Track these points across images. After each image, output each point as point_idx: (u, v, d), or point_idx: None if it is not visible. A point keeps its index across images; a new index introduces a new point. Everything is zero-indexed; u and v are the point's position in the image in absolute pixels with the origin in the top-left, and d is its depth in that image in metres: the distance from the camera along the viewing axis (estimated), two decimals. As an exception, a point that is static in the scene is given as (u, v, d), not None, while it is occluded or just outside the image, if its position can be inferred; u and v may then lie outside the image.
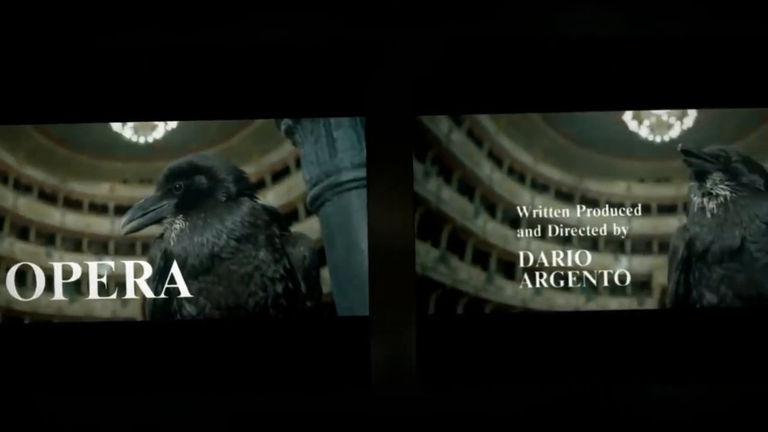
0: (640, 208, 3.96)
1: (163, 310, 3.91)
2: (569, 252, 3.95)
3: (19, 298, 3.90)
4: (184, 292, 3.90)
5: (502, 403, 3.90)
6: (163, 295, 3.91)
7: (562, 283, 3.95)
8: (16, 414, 3.86)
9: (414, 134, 3.92)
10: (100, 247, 3.92)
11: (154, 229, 3.90)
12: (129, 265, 3.91)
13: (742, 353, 3.95)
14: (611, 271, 3.96)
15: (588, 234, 3.96)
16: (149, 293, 3.89)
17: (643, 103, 3.96)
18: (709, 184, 3.93)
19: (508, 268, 3.95)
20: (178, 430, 3.85)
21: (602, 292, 3.96)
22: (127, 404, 3.88)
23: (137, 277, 3.90)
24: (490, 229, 3.95)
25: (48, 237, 3.93)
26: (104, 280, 3.91)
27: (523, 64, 3.96)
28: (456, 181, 3.95)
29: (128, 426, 3.86)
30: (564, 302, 3.95)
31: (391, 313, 3.90)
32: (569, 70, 3.96)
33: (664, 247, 3.94)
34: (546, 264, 3.95)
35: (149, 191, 3.90)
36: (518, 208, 3.95)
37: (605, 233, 3.96)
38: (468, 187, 3.96)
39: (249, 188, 3.94)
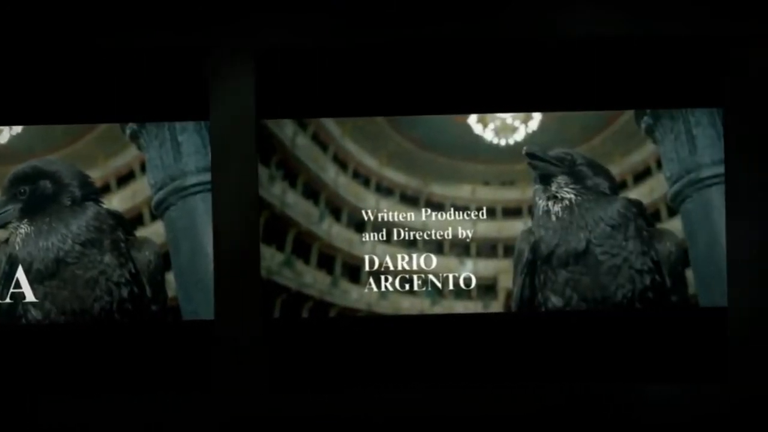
0: (485, 211, 3.96)
1: (8, 314, 3.91)
2: (414, 255, 3.96)
3: None
4: (30, 297, 3.90)
5: (348, 406, 3.91)
6: (8, 300, 3.91)
7: (407, 286, 3.95)
8: None
9: (259, 138, 3.92)
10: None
11: (-1, 234, 3.91)
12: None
13: (586, 354, 3.96)
14: (456, 275, 3.96)
15: (433, 237, 3.96)
16: (-6, 297, 3.91)
17: (487, 106, 3.96)
18: (554, 188, 3.93)
19: (353, 271, 3.96)
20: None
21: (447, 295, 3.96)
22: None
23: (-19, 282, 3.91)
24: (335, 232, 3.96)
25: None
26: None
27: (368, 69, 3.96)
28: (301, 185, 3.96)
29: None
30: (409, 306, 3.96)
31: (237, 317, 3.90)
32: (415, 73, 3.95)
33: (509, 250, 3.95)
34: (391, 268, 3.95)
35: (-7, 196, 3.91)
36: (363, 212, 3.96)
37: (450, 237, 3.96)
38: (313, 191, 3.96)
39: (94, 192, 3.95)
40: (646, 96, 3.97)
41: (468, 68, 3.96)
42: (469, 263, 3.96)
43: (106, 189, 3.95)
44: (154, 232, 3.94)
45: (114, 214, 3.93)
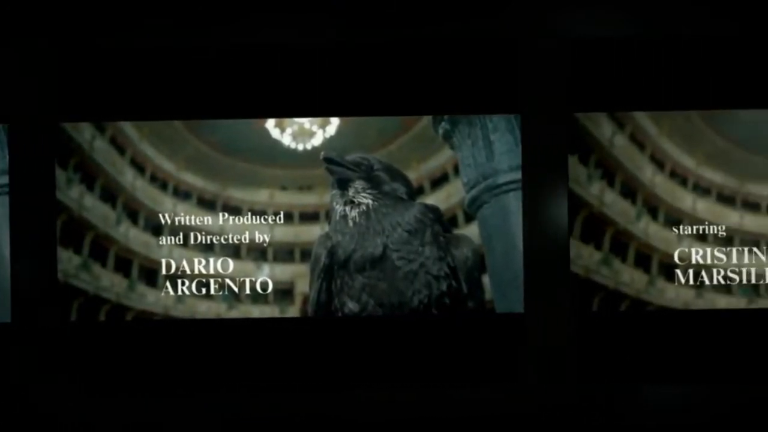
0: (282, 215, 3.96)
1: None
2: (211, 259, 3.96)
3: None
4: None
5: (144, 410, 3.92)
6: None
7: (204, 290, 3.96)
8: None
9: (57, 142, 3.93)
10: None
11: None
12: None
13: (382, 359, 3.96)
14: (253, 279, 3.97)
15: (230, 242, 3.96)
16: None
17: (285, 111, 3.97)
18: (351, 192, 3.93)
19: (150, 275, 3.96)
20: None
21: (244, 299, 3.96)
22: None
23: None
24: (133, 236, 3.96)
25: None
26: None
27: (167, 72, 3.96)
28: (99, 188, 3.96)
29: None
30: (206, 309, 3.96)
31: (34, 320, 3.91)
32: (215, 77, 3.96)
33: (306, 255, 3.95)
34: (188, 271, 3.96)
35: None
36: (160, 215, 3.96)
37: (247, 241, 3.97)
38: (110, 194, 3.96)
39: None
40: (443, 101, 3.97)
41: (263, 74, 3.96)
42: (266, 268, 3.97)
43: None
44: None
45: None
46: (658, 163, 3.97)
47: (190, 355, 3.97)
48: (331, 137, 3.97)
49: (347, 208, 3.93)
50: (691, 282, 3.95)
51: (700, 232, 3.96)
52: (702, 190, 3.96)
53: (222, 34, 3.95)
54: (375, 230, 3.92)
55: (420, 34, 3.96)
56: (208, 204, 3.97)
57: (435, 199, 3.96)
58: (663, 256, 3.96)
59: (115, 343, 3.97)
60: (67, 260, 3.95)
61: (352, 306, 3.92)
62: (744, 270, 3.94)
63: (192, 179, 3.97)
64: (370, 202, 3.93)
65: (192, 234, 3.96)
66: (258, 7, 3.93)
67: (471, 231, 3.95)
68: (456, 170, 3.96)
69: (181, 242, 3.96)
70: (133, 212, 3.97)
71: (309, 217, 3.96)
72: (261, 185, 3.97)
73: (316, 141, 3.97)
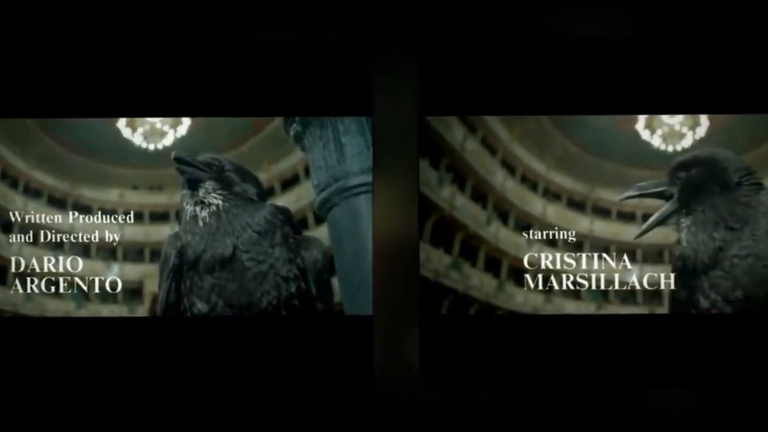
0: (132, 215, 3.96)
1: None
2: (61, 258, 3.96)
3: None
4: None
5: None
6: None
7: (53, 289, 3.95)
8: None
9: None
10: None
11: None
12: None
13: (231, 360, 3.96)
14: (102, 278, 3.97)
15: (80, 240, 3.96)
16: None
17: (138, 110, 3.97)
18: (201, 193, 3.94)
19: (1, 273, 3.96)
20: None
21: (93, 298, 3.97)
22: None
23: None
24: (-18, 234, 3.96)
25: None
26: None
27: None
28: (-43, 185, 3.96)
29: None
30: (55, 308, 3.96)
31: None
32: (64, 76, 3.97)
33: (155, 254, 3.95)
34: (38, 270, 3.95)
35: None
36: (11, 213, 3.96)
37: (97, 240, 3.96)
38: (-33, 194, 3.96)
39: None
40: (295, 103, 3.97)
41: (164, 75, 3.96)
42: (116, 267, 3.97)
43: None
44: None
45: None
46: (509, 167, 3.97)
47: (38, 354, 3.96)
48: (183, 137, 3.97)
49: (197, 209, 3.94)
50: (540, 287, 3.95)
51: (550, 237, 3.96)
52: (552, 195, 3.96)
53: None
54: (225, 231, 3.92)
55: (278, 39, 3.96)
56: (58, 202, 3.97)
57: (285, 200, 3.96)
58: (512, 261, 3.96)
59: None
60: None
61: (201, 306, 3.92)
62: (593, 276, 3.95)
63: (43, 177, 3.97)
64: (221, 202, 3.93)
65: (42, 232, 3.96)
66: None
67: (321, 233, 3.95)
68: (307, 172, 3.96)
69: (31, 240, 3.96)
70: (-15, 211, 3.97)
71: (159, 216, 3.96)
72: (111, 184, 3.97)
73: (167, 141, 3.97)
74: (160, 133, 3.97)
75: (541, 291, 3.96)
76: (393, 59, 3.94)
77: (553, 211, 3.97)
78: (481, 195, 3.96)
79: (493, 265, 3.96)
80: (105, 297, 3.97)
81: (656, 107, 3.96)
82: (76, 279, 3.97)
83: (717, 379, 3.93)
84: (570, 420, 3.87)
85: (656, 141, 3.96)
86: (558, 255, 3.96)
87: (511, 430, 3.89)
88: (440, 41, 3.94)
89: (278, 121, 3.96)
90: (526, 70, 3.96)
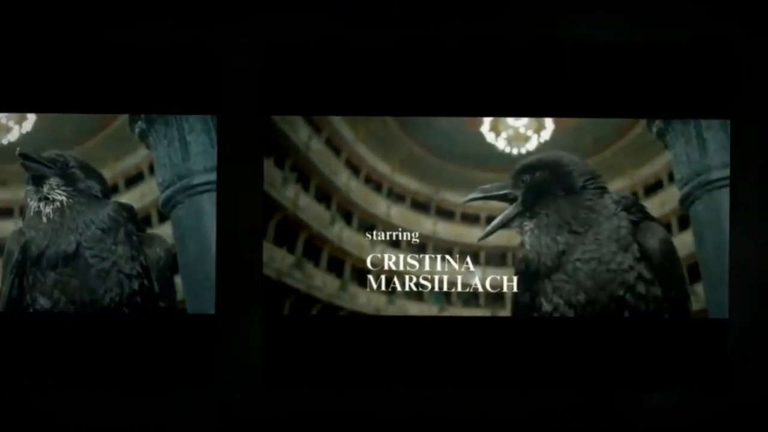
0: (-24, 211, 3.97)
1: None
2: None
3: None
4: None
5: None
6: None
7: None
8: None
9: None
10: None
11: None
12: None
13: (74, 358, 3.97)
14: (-54, 273, 3.97)
15: (-74, 234, 3.96)
16: None
17: None
18: (45, 189, 3.94)
19: None
20: None
21: (-58, 293, 3.97)
22: None
23: None
24: None
25: None
26: None
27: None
28: None
29: None
30: None
31: None
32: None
33: (-1, 251, 3.95)
34: None
35: None
36: None
37: (-58, 236, 3.97)
38: None
39: None
40: (142, 101, 3.97)
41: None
42: (-42, 262, 3.97)
43: None
44: None
45: None
46: (354, 168, 3.97)
47: None
48: (28, 133, 3.97)
49: (41, 205, 3.94)
50: (383, 288, 3.95)
51: (394, 238, 3.96)
52: (396, 196, 3.97)
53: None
54: (69, 227, 3.93)
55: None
56: None
57: (129, 197, 3.96)
58: (356, 261, 3.96)
59: None
60: None
61: (43, 302, 3.92)
62: (436, 277, 3.95)
63: None
64: (65, 199, 3.93)
65: None
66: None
67: (165, 231, 3.95)
68: (152, 170, 3.96)
69: None
70: None
71: (3, 212, 3.96)
72: (-44, 180, 3.97)
73: (12, 137, 3.97)
74: (5, 128, 3.97)
75: (384, 292, 3.95)
76: (238, 58, 3.93)
77: (396, 212, 3.97)
78: (325, 195, 3.96)
79: (336, 266, 3.96)
80: (-52, 292, 3.97)
81: (502, 110, 3.95)
82: None
83: (557, 382, 3.94)
84: (412, 420, 3.88)
85: (501, 143, 3.96)
86: (401, 256, 3.96)
87: (352, 430, 3.90)
88: (286, 41, 3.94)
89: (123, 118, 3.96)
90: (372, 71, 3.95)
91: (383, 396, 3.92)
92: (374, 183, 3.96)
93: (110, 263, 3.92)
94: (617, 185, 3.93)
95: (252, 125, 3.94)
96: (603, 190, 3.92)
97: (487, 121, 3.96)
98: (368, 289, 3.96)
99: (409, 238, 3.95)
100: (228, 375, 3.95)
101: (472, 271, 3.95)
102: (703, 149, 3.91)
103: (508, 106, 3.95)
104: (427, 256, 3.96)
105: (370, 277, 3.96)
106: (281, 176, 3.95)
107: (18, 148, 3.94)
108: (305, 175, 3.96)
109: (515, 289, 3.93)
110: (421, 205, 3.96)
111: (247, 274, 3.93)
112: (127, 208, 3.95)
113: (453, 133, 3.95)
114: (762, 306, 3.92)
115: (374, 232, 3.96)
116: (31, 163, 3.94)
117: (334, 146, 3.96)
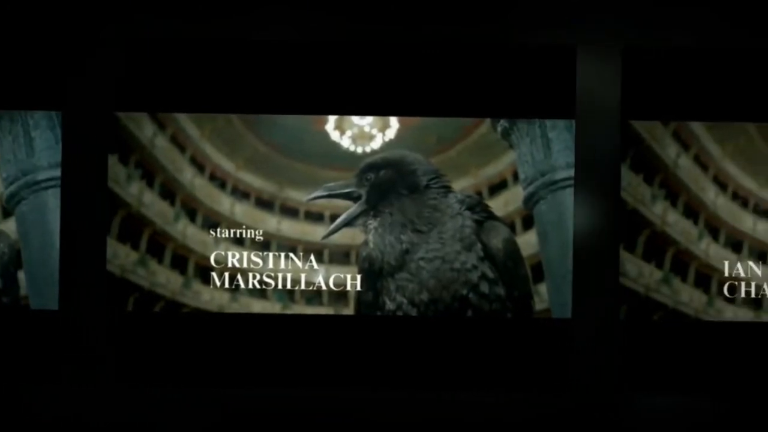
0: None
1: None
2: None
3: None
4: None
5: None
6: None
7: None
8: None
9: None
10: None
11: None
12: None
13: None
14: None
15: None
16: None
17: None
18: None
19: None
20: None
21: None
22: None
23: None
24: None
25: None
26: None
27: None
28: None
29: None
30: None
31: None
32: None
33: None
34: None
35: None
36: None
37: None
38: None
39: None
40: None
41: None
42: None
43: None
44: None
45: None
46: (198, 165, 3.97)
47: None
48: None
49: None
50: (227, 285, 3.96)
51: (238, 235, 3.96)
52: (240, 193, 3.97)
53: None
54: None
55: None
56: None
57: None
58: (199, 259, 3.97)
59: None
60: None
61: None
62: (280, 275, 3.95)
63: None
64: None
65: None
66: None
67: (9, 226, 3.95)
68: (-4, 165, 3.96)
69: None
70: None
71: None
72: None
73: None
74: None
75: (227, 289, 3.96)
76: (92, 57, 3.94)
77: (241, 210, 3.97)
78: (169, 192, 3.97)
79: (179, 263, 3.97)
80: None
81: (346, 108, 3.95)
82: None
83: (401, 383, 3.95)
84: (253, 418, 3.88)
85: (346, 142, 3.96)
86: (245, 254, 3.96)
87: (194, 429, 3.91)
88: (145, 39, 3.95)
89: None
90: (218, 69, 3.96)
91: (225, 393, 3.92)
92: (219, 180, 3.97)
93: (-46, 258, 3.93)
94: (462, 184, 3.93)
95: (97, 122, 3.94)
96: (447, 189, 3.93)
97: (331, 119, 3.96)
98: (212, 287, 3.96)
99: (252, 236, 3.96)
100: (74, 372, 3.94)
101: (316, 269, 3.95)
102: (548, 149, 3.91)
103: (353, 104, 3.95)
104: (270, 254, 3.96)
105: (214, 274, 3.96)
106: (126, 173, 3.95)
107: None
108: (150, 172, 3.96)
109: (359, 288, 3.93)
110: (265, 203, 3.96)
111: (91, 271, 3.94)
112: (-18, 210, 3.96)
113: (298, 131, 3.95)
114: (604, 306, 3.92)
115: (218, 230, 3.96)
116: None
117: (179, 143, 3.97)
